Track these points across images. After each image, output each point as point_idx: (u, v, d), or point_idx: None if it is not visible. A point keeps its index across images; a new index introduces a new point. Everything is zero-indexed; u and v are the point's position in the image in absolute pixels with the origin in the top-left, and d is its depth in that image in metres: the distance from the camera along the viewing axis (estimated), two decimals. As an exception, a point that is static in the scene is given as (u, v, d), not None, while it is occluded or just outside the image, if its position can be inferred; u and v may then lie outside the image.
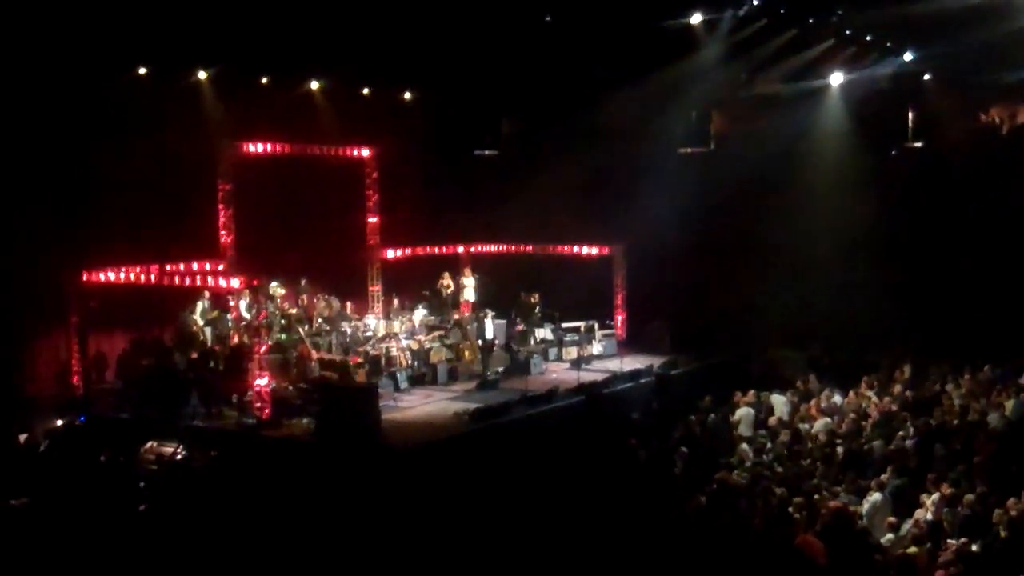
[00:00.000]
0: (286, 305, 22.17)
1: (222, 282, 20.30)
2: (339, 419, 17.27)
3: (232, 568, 12.61)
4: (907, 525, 13.04)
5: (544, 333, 24.65)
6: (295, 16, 19.57)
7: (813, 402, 19.18)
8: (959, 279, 23.17)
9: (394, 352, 21.59)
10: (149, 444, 17.89)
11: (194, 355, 20.30)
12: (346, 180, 24.89)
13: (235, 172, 21.84)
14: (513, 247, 26.95)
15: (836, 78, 24.27)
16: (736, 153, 24.64)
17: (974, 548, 11.77)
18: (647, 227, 24.46)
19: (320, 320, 22.72)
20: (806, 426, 17.94)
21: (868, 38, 23.21)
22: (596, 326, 25.09)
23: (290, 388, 19.47)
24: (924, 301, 23.29)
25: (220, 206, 21.88)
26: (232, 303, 21.03)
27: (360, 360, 20.75)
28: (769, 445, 17.08)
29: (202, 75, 22.41)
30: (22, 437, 18.09)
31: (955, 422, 17.12)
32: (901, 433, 16.48)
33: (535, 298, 24.84)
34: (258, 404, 18.22)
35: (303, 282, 23.17)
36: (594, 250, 25.85)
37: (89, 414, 19.46)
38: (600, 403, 20.45)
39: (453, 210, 27.03)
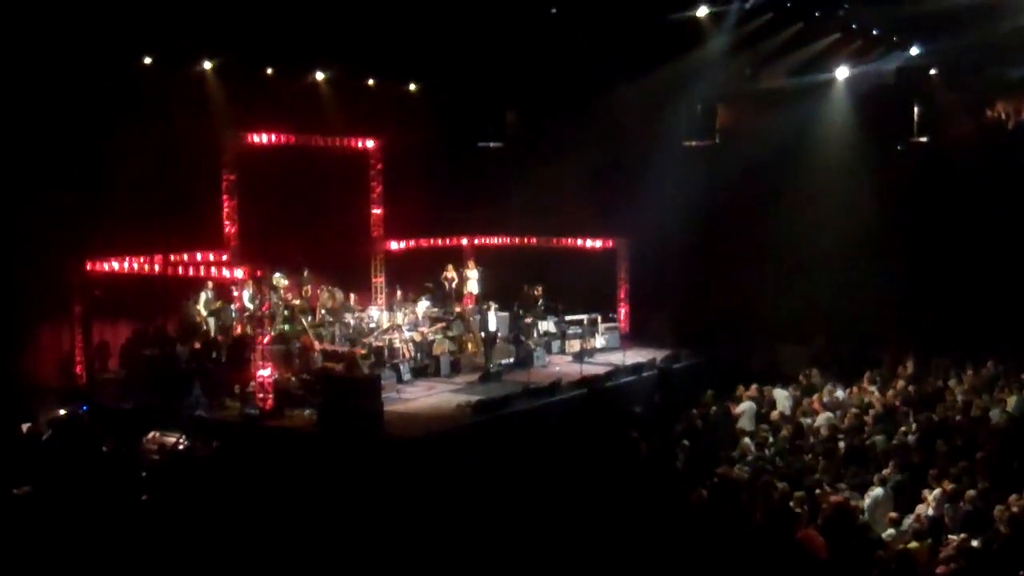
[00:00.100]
0: (289, 296, 22.19)
1: (226, 272, 20.34)
2: (342, 410, 17.29)
3: (234, 559, 12.62)
4: (908, 520, 13.03)
5: (547, 326, 24.66)
6: (300, 7, 19.57)
7: (815, 397, 19.16)
8: (963, 274, 23.12)
9: (397, 344, 21.60)
10: (152, 434, 17.91)
11: (197, 345, 20.34)
12: (350, 171, 24.91)
13: (239, 162, 21.90)
14: (517, 240, 26.98)
15: (842, 72, 24.21)
16: (741, 147, 24.56)
17: (975, 544, 11.77)
18: (651, 220, 24.43)
19: (323, 311, 22.75)
20: (808, 420, 17.92)
21: (874, 32, 23.16)
22: (599, 319, 25.09)
23: (293, 379, 19.50)
24: (928, 296, 23.25)
25: (224, 196, 21.95)
26: (235, 293, 21.07)
27: (363, 352, 20.77)
28: (771, 439, 17.05)
29: (207, 65, 22.38)
30: (25, 426, 18.09)
31: (957, 418, 17.12)
32: (903, 429, 16.48)
33: (538, 291, 24.86)
34: (261, 395, 18.25)
35: (306, 273, 23.18)
36: (598, 243, 25.87)
37: (92, 403, 19.46)
38: (602, 396, 20.47)
39: (457, 202, 27.02)
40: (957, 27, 20.46)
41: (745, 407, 18.93)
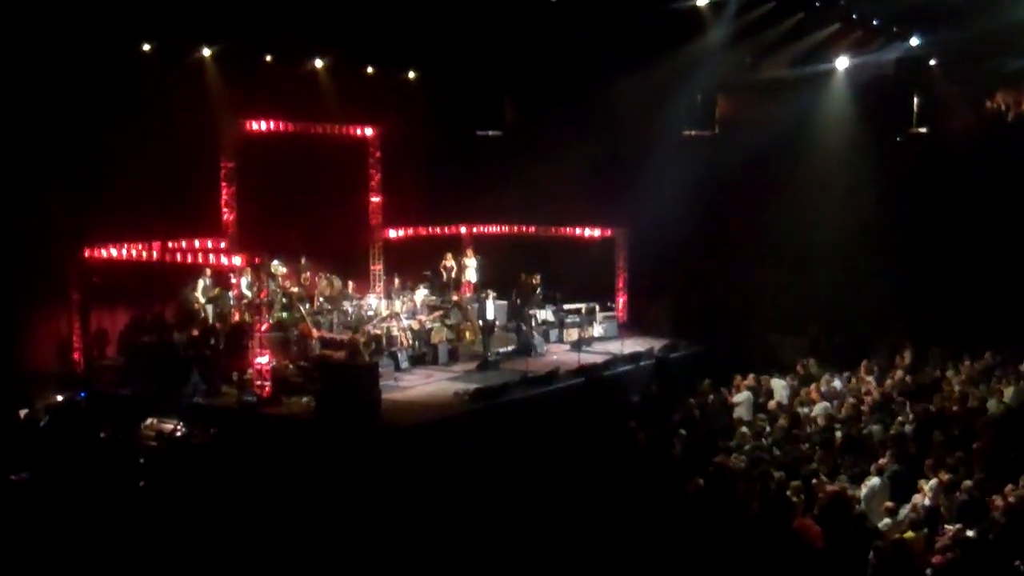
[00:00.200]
0: (288, 284, 22.15)
1: (224, 260, 20.32)
2: (339, 398, 17.30)
3: (232, 546, 12.64)
4: (905, 510, 13.05)
5: (545, 314, 24.67)
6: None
7: (813, 386, 19.17)
8: (961, 266, 23.14)
9: (395, 332, 21.60)
10: (149, 421, 17.93)
11: (195, 333, 20.33)
12: (349, 159, 24.86)
13: (238, 150, 21.83)
14: (515, 228, 26.95)
15: (842, 62, 24.18)
16: (740, 137, 24.53)
17: (970, 534, 11.79)
18: (650, 210, 24.37)
19: (321, 299, 22.73)
20: (805, 410, 17.94)
21: (874, 23, 23.13)
22: (597, 308, 25.09)
23: (291, 367, 19.51)
24: (926, 287, 23.26)
25: (223, 184, 21.91)
26: (234, 281, 21.04)
27: (363, 340, 20.76)
28: (768, 429, 17.09)
29: (206, 53, 22.34)
30: (22, 412, 18.10)
31: (954, 408, 17.14)
32: (900, 418, 16.51)
33: (536, 279, 24.83)
34: (258, 382, 18.27)
35: (303, 260, 23.17)
36: (596, 232, 25.84)
37: (90, 390, 19.47)
38: (600, 385, 20.48)
39: (455, 190, 26.98)
40: (957, 18, 20.45)
41: (742, 397, 18.95)
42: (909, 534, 11.99)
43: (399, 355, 20.93)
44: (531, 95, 26.78)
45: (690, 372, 21.57)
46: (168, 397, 18.37)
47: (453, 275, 25.45)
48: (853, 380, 19.75)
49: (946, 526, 12.29)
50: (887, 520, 12.87)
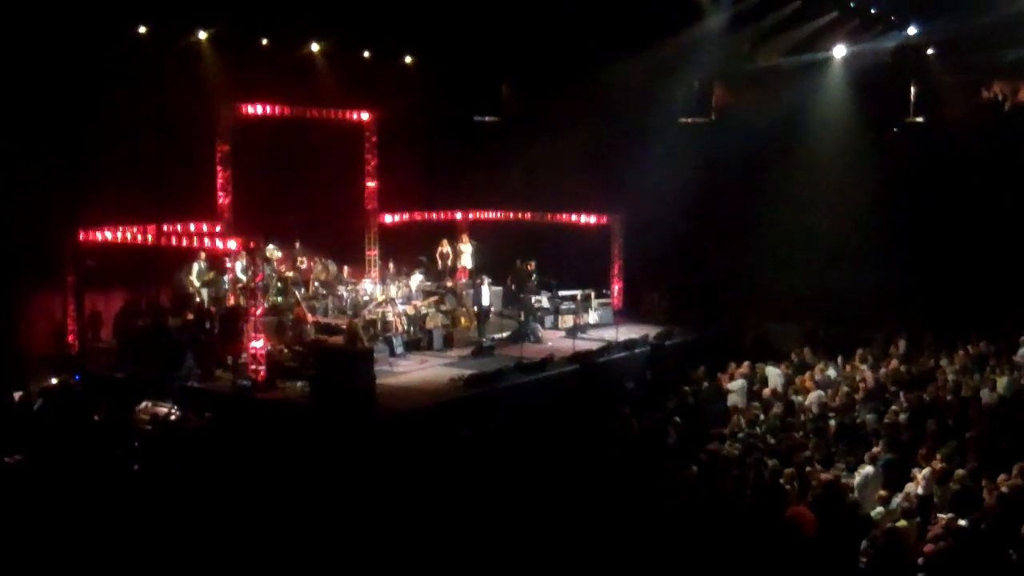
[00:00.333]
0: (283, 268, 22.15)
1: (219, 243, 20.28)
2: (334, 383, 17.28)
3: (226, 529, 12.65)
4: (897, 499, 13.07)
5: (540, 301, 24.66)
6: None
7: (807, 375, 19.19)
8: (957, 255, 23.16)
9: (390, 317, 21.58)
10: (144, 404, 17.93)
11: (190, 316, 20.30)
12: (345, 144, 24.78)
13: (234, 133, 21.77)
14: (511, 214, 26.92)
15: (839, 51, 24.16)
16: (737, 125, 24.55)
17: (962, 523, 11.82)
18: (646, 197, 24.39)
19: (317, 284, 22.71)
20: (799, 398, 17.97)
21: (872, 11, 23.11)
22: (592, 295, 25.10)
23: (285, 351, 19.50)
24: (921, 276, 23.30)
25: (218, 167, 21.86)
26: (229, 265, 21.01)
27: (361, 324, 20.75)
28: (762, 417, 17.11)
29: (202, 35, 22.26)
30: (17, 395, 18.11)
31: (948, 397, 17.17)
32: (894, 407, 16.54)
33: (531, 265, 24.81)
34: (253, 366, 18.26)
35: (298, 245, 23.14)
36: (592, 219, 25.82)
37: (84, 373, 19.48)
38: (594, 372, 20.50)
39: (452, 176, 26.96)
40: (955, 7, 20.46)
41: (737, 384, 18.96)
42: (902, 523, 12.02)
43: (394, 340, 20.92)
44: (528, 81, 26.76)
45: (685, 359, 21.60)
46: (162, 381, 18.35)
47: (449, 261, 25.44)
48: (847, 368, 19.77)
49: (939, 515, 12.32)
50: (880, 509, 12.88)
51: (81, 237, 20.21)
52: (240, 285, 20.45)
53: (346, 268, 23.83)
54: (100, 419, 16.94)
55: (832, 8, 22.65)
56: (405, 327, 21.71)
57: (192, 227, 21.70)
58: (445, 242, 25.48)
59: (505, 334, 22.73)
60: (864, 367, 19.61)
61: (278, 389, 18.17)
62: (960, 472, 13.19)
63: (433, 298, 23.09)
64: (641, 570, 11.63)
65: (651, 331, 23.34)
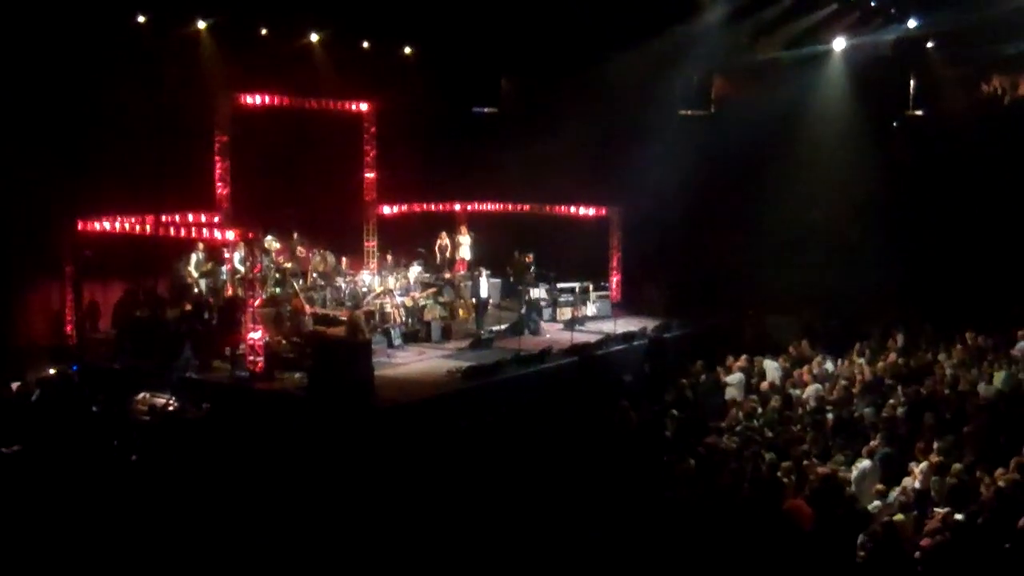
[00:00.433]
0: (281, 259, 22.13)
1: (217, 234, 20.26)
2: (332, 374, 17.26)
3: (223, 520, 12.66)
4: (895, 493, 13.09)
5: (539, 293, 24.64)
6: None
7: (806, 368, 19.18)
8: (956, 248, 23.16)
9: (388, 308, 21.57)
10: (142, 395, 17.92)
11: (188, 307, 20.28)
12: (344, 135, 24.75)
13: (232, 124, 21.73)
14: (510, 206, 26.89)
15: (839, 43, 24.13)
16: (736, 117, 24.54)
17: (960, 517, 11.83)
18: (645, 189, 24.38)
19: (315, 275, 22.70)
20: (797, 392, 17.97)
21: (872, 4, 23.08)
22: (591, 287, 25.08)
23: (283, 342, 19.48)
24: (920, 269, 23.29)
25: (217, 158, 21.83)
26: (227, 255, 21.00)
27: (362, 316, 20.73)
28: (760, 410, 17.10)
29: (201, 25, 22.22)
30: (14, 385, 18.10)
31: (946, 391, 17.18)
32: (892, 401, 16.55)
33: (529, 257, 24.78)
34: (251, 357, 18.24)
35: (296, 236, 23.12)
36: (591, 211, 25.80)
37: (82, 363, 19.46)
38: (592, 365, 20.49)
39: (451, 167, 26.89)
40: (955, 1, 20.41)
41: (735, 378, 18.96)
42: (899, 517, 12.03)
43: (392, 332, 20.90)
44: (528, 73, 26.73)
45: (683, 352, 21.58)
46: (160, 371, 18.35)
47: (447, 253, 25.42)
48: (845, 362, 19.77)
49: (936, 509, 12.32)
50: (877, 502, 12.91)
51: (79, 227, 20.12)
52: (238, 276, 20.43)
53: (344, 259, 23.82)
54: (98, 410, 16.93)
55: (832, 1, 22.61)
56: (403, 319, 21.69)
57: (190, 218, 21.65)
58: (444, 234, 25.46)
59: (503, 326, 22.73)
60: (862, 361, 19.61)
61: (276, 380, 18.15)
62: (957, 466, 13.19)
63: (431, 290, 23.06)
64: (639, 563, 11.64)
65: (649, 324, 23.34)
